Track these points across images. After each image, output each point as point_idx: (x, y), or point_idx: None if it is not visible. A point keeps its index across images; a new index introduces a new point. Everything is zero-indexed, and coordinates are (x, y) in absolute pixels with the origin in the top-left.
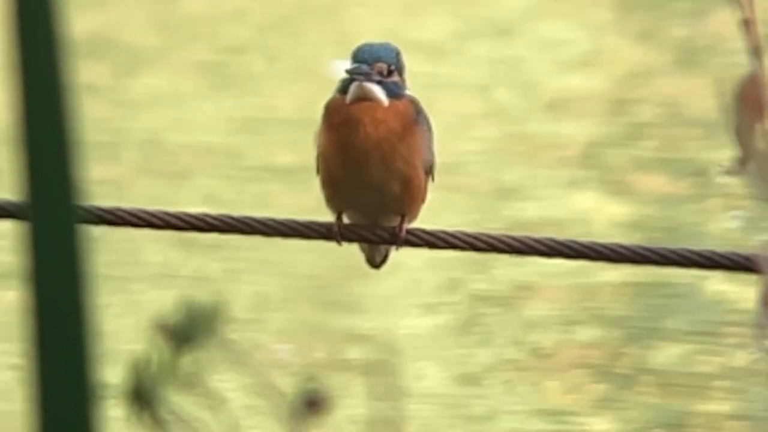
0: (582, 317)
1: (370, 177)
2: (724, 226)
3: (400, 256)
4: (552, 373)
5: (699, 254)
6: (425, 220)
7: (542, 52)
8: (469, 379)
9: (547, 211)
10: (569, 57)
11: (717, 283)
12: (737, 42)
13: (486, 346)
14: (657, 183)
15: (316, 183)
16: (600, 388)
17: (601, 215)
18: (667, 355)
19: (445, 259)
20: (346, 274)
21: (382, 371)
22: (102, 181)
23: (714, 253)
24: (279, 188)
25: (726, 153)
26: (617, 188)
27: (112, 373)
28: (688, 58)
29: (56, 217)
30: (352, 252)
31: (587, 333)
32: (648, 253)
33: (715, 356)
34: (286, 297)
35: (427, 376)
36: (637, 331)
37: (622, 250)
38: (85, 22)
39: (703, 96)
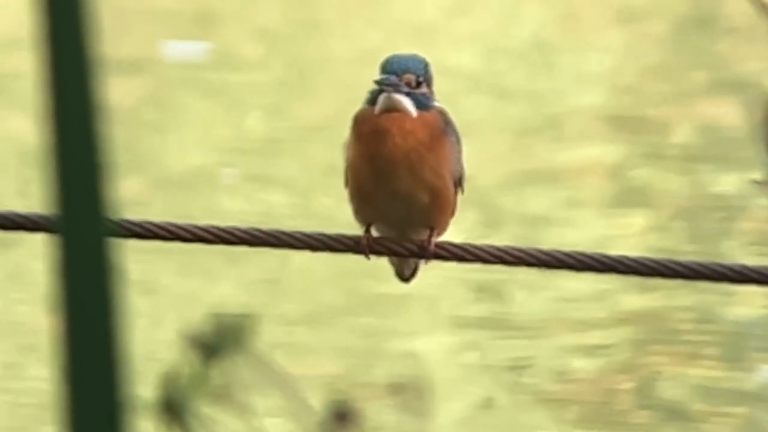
0: (607, 342)
1: (399, 187)
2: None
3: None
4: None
5: (729, 268)
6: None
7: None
8: (492, 404)
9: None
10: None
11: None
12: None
13: (509, 371)
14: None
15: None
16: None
17: (631, 235)
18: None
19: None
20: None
21: (411, 392)
22: (127, 196)
23: (744, 267)
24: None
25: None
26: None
27: (142, 385)
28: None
29: (86, 230)
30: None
31: (613, 360)
32: (677, 267)
33: (743, 380)
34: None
35: (452, 400)
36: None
37: (652, 264)
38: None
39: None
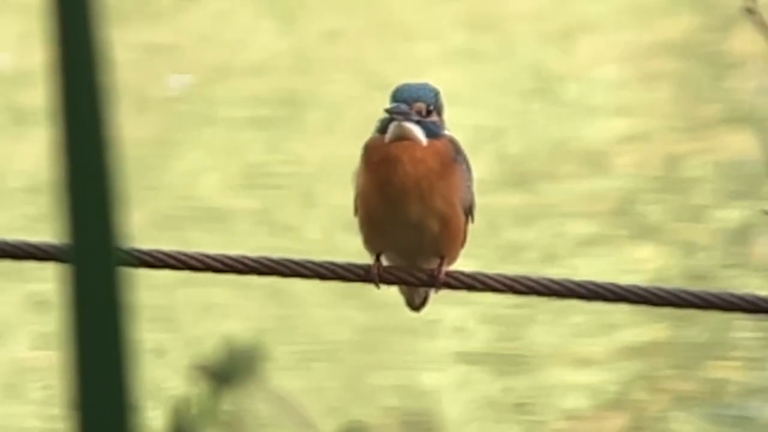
0: (616, 379)
1: (409, 216)
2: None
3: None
4: None
5: (741, 298)
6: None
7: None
8: None
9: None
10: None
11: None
12: None
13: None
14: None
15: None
16: None
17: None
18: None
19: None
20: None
21: (419, 427)
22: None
23: (757, 297)
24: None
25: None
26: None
27: (153, 413)
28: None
29: (97, 259)
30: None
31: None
32: (689, 297)
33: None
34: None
35: None
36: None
37: (663, 294)
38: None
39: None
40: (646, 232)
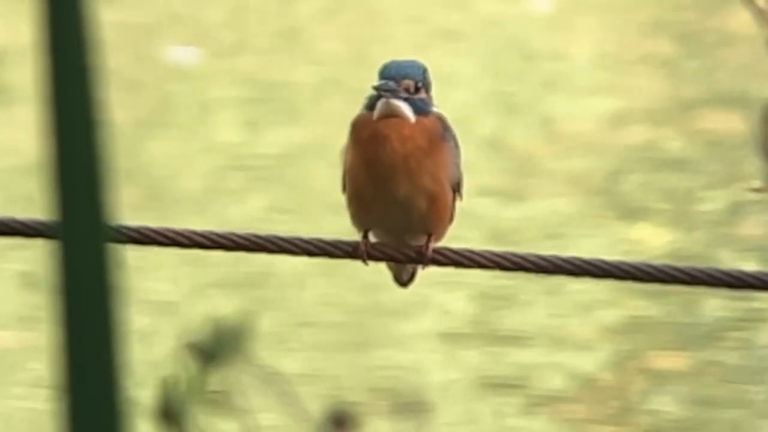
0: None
1: (397, 193)
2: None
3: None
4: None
5: (727, 274)
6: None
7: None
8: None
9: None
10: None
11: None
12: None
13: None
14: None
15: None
16: None
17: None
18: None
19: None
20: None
21: (409, 405)
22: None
23: (743, 272)
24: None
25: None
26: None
27: (141, 391)
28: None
29: (86, 236)
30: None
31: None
32: (676, 273)
33: None
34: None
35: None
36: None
37: (650, 270)
38: None
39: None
40: (632, 213)
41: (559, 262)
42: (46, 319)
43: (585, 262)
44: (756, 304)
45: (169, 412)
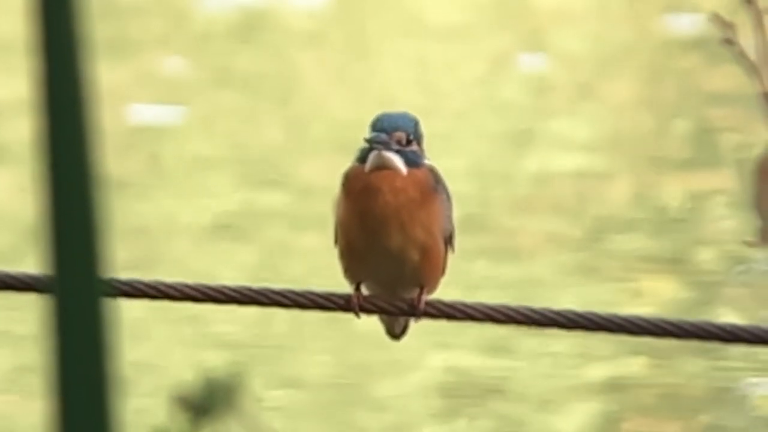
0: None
1: (389, 245)
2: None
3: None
4: None
5: (720, 328)
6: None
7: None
8: None
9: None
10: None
11: None
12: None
13: None
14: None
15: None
16: None
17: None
18: None
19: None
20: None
21: None
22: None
23: (735, 326)
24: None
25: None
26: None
27: None
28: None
29: (79, 290)
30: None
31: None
32: (669, 327)
33: None
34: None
35: None
36: None
37: (643, 323)
38: None
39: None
40: (610, 265)
41: (552, 315)
42: (34, 380)
43: (578, 315)
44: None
45: None
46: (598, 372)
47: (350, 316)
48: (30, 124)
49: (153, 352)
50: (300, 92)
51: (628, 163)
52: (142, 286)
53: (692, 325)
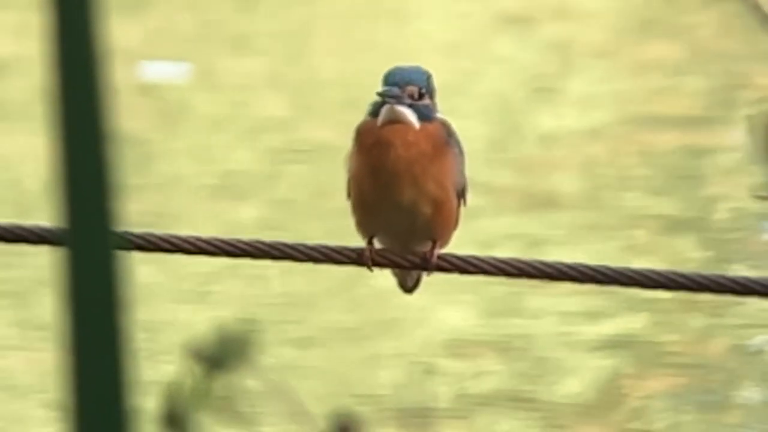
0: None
1: (402, 199)
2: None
3: None
4: None
5: (733, 280)
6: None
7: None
8: None
9: None
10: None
11: None
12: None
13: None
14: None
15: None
16: None
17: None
18: None
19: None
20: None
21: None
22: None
23: (748, 279)
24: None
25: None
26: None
27: (146, 397)
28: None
29: (92, 242)
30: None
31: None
32: (681, 279)
33: None
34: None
35: None
36: None
37: (655, 276)
38: None
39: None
40: (630, 221)
41: (564, 269)
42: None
43: (590, 268)
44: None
45: (174, 419)
46: (607, 329)
47: (364, 271)
48: (42, 81)
49: (166, 309)
50: (310, 50)
51: (638, 121)
52: (155, 239)
53: (704, 277)
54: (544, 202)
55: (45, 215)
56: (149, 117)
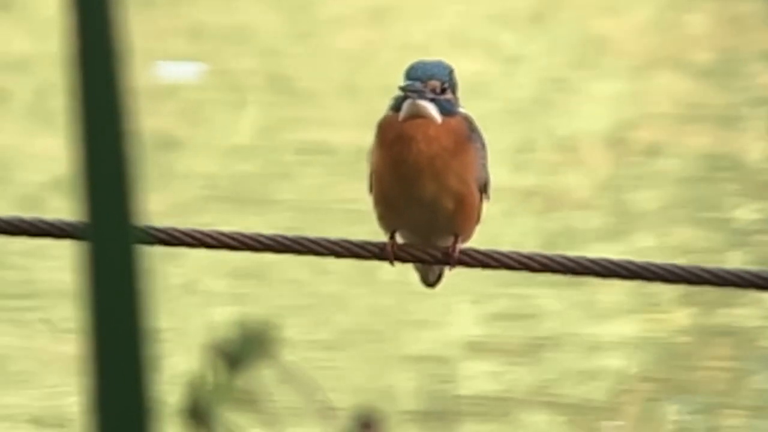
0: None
1: (423, 194)
2: None
3: None
4: None
5: (756, 275)
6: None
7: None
8: None
9: None
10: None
11: None
12: None
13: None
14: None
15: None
16: None
17: None
18: None
19: None
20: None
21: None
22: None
23: (751, 274)
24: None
25: None
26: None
27: (168, 391)
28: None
29: (114, 237)
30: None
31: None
32: (705, 274)
33: None
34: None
35: None
36: None
37: (679, 271)
38: None
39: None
40: (639, 222)
41: (587, 263)
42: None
43: (613, 263)
44: None
45: (197, 413)
46: (630, 329)
47: (386, 265)
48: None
49: (189, 305)
50: (333, 44)
51: (655, 114)
52: (178, 234)
53: (728, 272)
54: (564, 203)
55: (55, 212)
56: (168, 115)
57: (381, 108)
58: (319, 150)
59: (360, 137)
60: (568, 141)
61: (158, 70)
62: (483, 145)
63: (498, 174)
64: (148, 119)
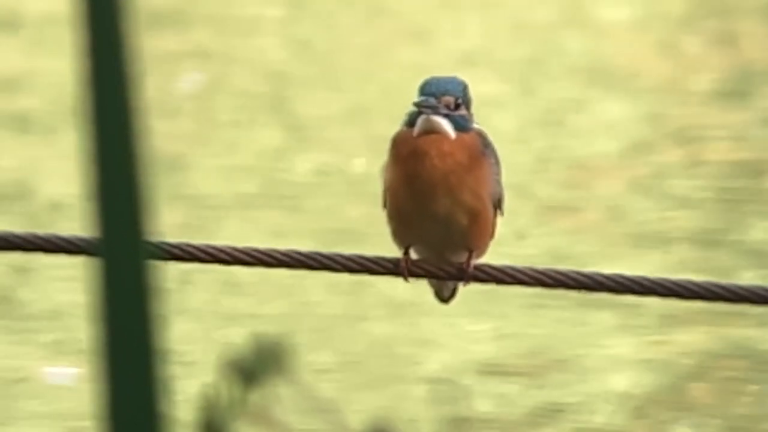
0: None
1: (437, 209)
2: None
3: None
4: None
5: None
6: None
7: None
8: None
9: None
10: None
11: None
12: None
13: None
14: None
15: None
16: None
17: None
18: None
19: None
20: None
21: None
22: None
23: None
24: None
25: None
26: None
27: (182, 407)
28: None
29: (127, 252)
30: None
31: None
32: (720, 290)
33: None
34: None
35: None
36: None
37: (693, 287)
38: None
39: None
40: (654, 238)
41: (601, 279)
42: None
43: (627, 279)
44: None
45: (211, 428)
46: (643, 345)
47: (400, 281)
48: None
49: (200, 322)
50: (345, 55)
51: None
52: (192, 249)
53: (743, 288)
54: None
55: (61, 228)
56: (181, 130)
57: (388, 132)
58: (328, 172)
59: (368, 161)
60: (580, 160)
61: (167, 89)
62: (497, 161)
63: (514, 190)
64: (155, 138)
